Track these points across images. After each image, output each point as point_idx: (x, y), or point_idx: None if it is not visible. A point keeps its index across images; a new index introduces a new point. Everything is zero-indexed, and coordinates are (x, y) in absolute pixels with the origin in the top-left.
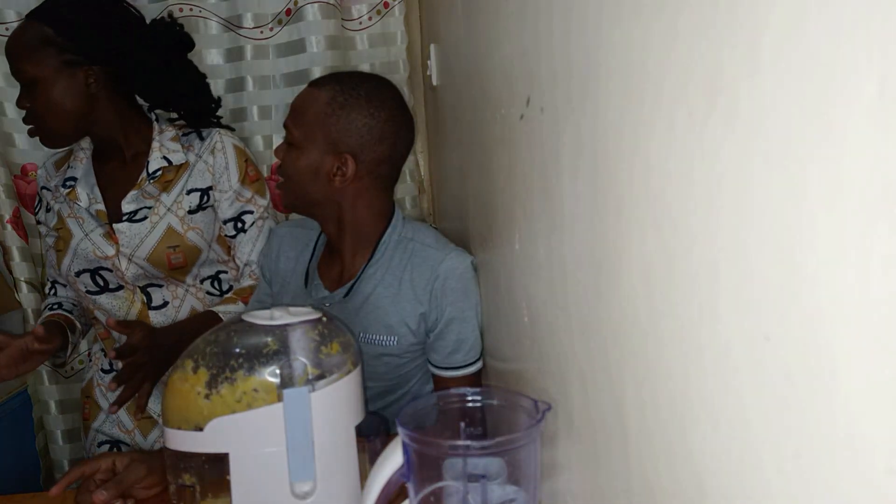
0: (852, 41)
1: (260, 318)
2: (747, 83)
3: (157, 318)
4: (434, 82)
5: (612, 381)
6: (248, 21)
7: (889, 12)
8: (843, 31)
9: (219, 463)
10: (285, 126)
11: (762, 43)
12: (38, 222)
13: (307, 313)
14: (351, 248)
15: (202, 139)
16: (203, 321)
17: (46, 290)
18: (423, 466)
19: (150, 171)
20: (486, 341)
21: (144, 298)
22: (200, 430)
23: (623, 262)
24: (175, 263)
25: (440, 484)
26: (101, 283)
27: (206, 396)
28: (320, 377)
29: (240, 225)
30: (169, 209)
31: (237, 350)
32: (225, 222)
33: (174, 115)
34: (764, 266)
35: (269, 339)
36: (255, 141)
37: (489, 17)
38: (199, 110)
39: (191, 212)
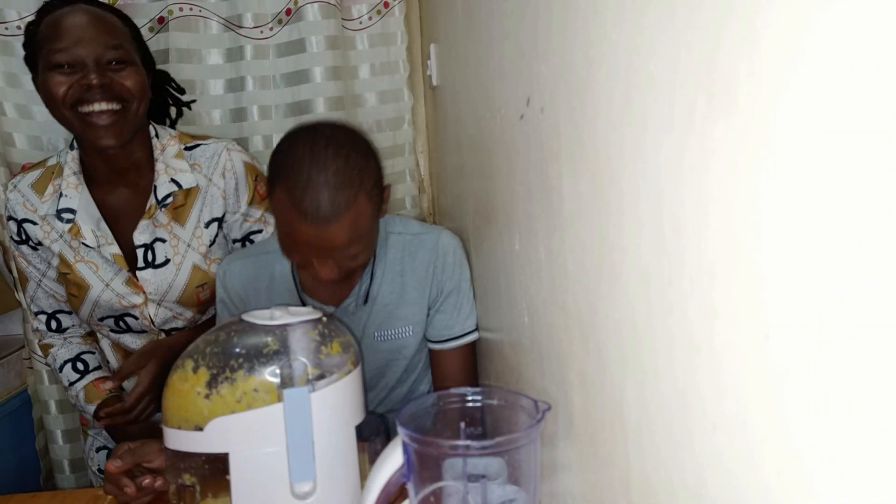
0: (852, 40)
1: (260, 318)
2: (746, 81)
3: None
4: (434, 82)
5: (612, 381)
6: (248, 21)
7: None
8: (842, 29)
9: (219, 463)
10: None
11: (761, 41)
12: (33, 247)
13: (307, 313)
14: None
15: (208, 154)
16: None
17: (41, 324)
18: (423, 466)
19: (160, 197)
20: (486, 341)
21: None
22: (200, 430)
23: (623, 261)
24: (203, 300)
25: (440, 484)
26: (125, 326)
27: (206, 396)
28: (320, 377)
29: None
30: (189, 245)
31: (237, 350)
32: (234, 242)
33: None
34: (764, 265)
35: (269, 339)
36: (255, 141)
37: (489, 17)
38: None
39: (210, 244)
